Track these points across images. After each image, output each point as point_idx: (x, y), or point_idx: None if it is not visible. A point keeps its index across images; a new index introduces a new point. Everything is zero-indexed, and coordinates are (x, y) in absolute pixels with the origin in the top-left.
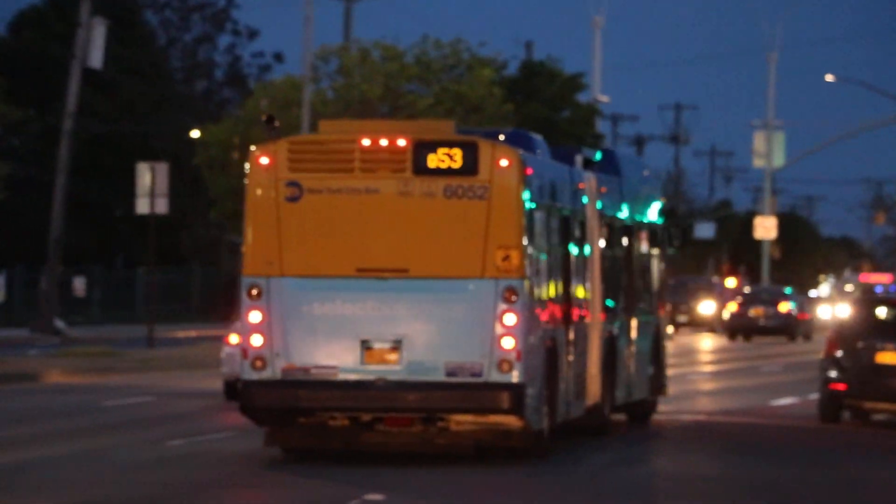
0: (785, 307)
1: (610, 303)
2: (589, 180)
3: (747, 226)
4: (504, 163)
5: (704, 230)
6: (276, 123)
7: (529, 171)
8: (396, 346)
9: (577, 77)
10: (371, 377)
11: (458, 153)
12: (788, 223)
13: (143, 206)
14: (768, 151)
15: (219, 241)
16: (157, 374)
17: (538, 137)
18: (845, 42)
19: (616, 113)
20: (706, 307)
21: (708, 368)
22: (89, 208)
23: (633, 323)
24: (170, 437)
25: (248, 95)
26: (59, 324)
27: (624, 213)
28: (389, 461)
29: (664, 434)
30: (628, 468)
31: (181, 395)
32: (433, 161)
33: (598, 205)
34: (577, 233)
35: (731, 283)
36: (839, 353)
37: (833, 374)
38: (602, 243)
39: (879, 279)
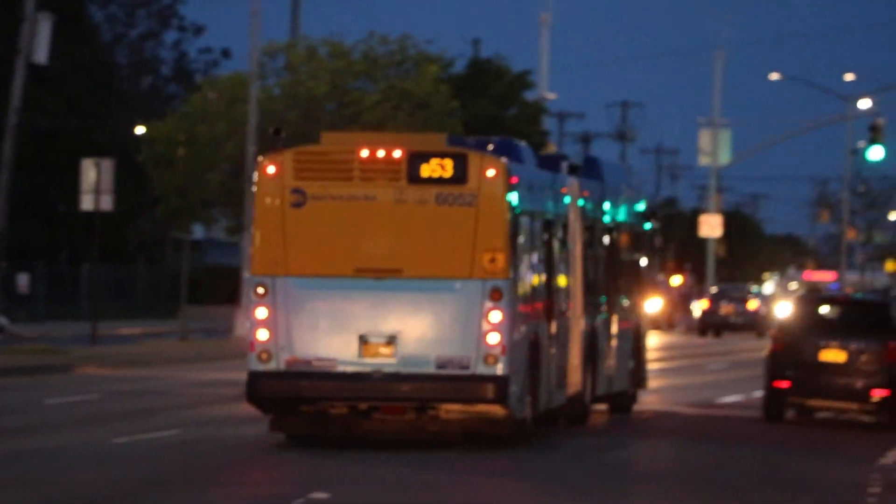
0: (753, 305)
1: (592, 300)
2: (572, 186)
3: (693, 223)
4: (491, 172)
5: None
6: (282, 135)
7: (514, 179)
8: (391, 340)
9: (524, 75)
10: (368, 369)
11: (448, 163)
12: (733, 221)
13: (88, 203)
14: (714, 149)
15: (164, 237)
16: (101, 371)
17: (525, 146)
18: (790, 40)
19: (563, 110)
20: (652, 304)
21: (655, 366)
22: (34, 204)
23: (615, 319)
24: (115, 435)
25: (195, 91)
26: (2, 320)
27: (606, 216)
28: (355, 454)
29: (638, 424)
30: (601, 454)
31: (126, 392)
32: (426, 171)
33: (581, 209)
34: (559, 235)
35: (676, 280)
36: (783, 351)
37: (777, 371)
38: (584, 245)
39: (823, 277)
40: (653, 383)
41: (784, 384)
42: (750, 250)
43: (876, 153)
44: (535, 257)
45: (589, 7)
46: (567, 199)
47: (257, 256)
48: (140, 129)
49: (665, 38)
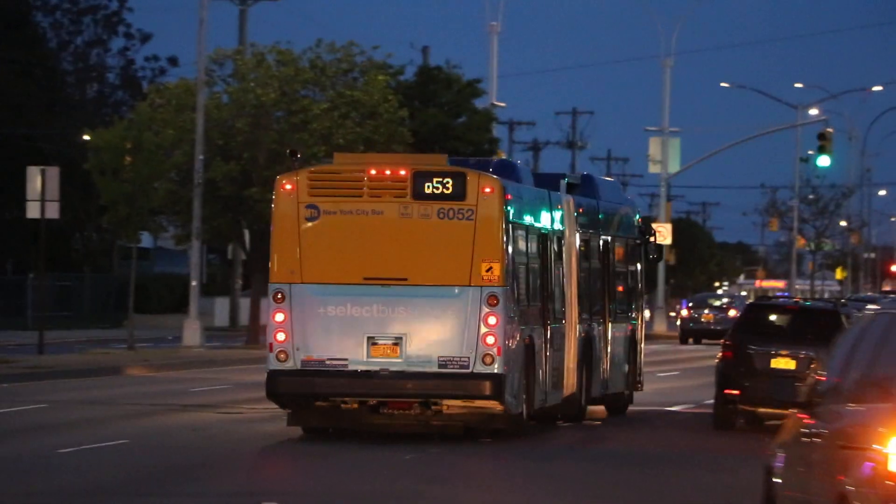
0: (733, 312)
1: (587, 306)
2: (567, 202)
3: None
4: (488, 190)
5: None
6: (298, 155)
7: (509, 196)
8: (397, 342)
9: (473, 83)
10: (376, 368)
11: (449, 182)
12: (684, 229)
13: (33, 211)
14: (663, 157)
15: (111, 246)
16: (48, 381)
17: (523, 166)
18: (740, 49)
19: (513, 119)
20: None
21: None
22: None
23: (610, 325)
24: (62, 445)
25: (142, 99)
26: None
27: (601, 229)
28: (318, 461)
29: (628, 424)
30: (584, 448)
31: (73, 402)
32: (429, 188)
33: (576, 222)
34: (555, 246)
35: None
36: (733, 359)
37: (727, 379)
38: (580, 256)
39: (775, 285)
40: None
41: (734, 392)
42: (700, 258)
43: (825, 161)
44: (530, 266)
45: (539, 14)
46: (562, 214)
47: (275, 265)
48: (86, 137)
49: (615, 46)
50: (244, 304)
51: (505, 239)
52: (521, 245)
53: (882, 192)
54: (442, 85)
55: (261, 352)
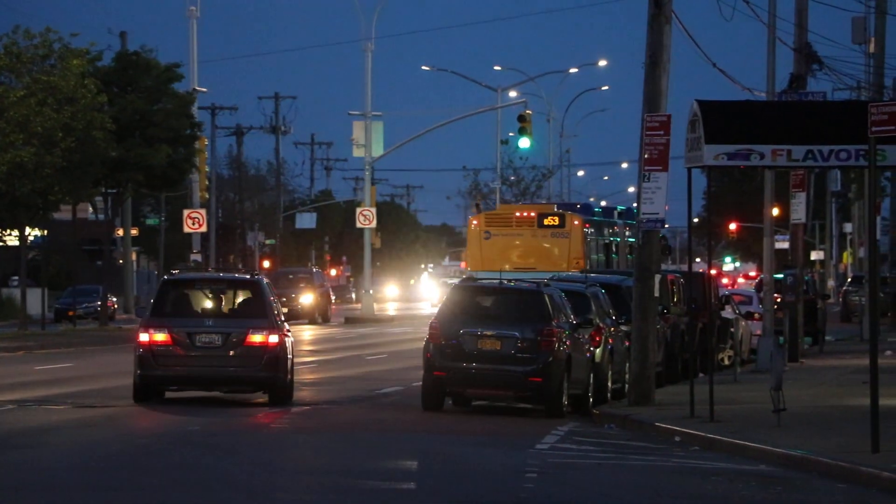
0: None
1: None
2: (620, 225)
3: (349, 215)
4: (576, 222)
5: (306, 220)
6: (480, 206)
7: (587, 225)
8: None
9: (172, 68)
10: None
11: (556, 218)
12: (389, 212)
13: None
14: (367, 141)
15: None
16: None
17: (595, 204)
18: (441, 32)
19: (215, 104)
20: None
21: (310, 359)
22: None
23: None
24: None
25: None
26: None
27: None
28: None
29: (343, 406)
30: None
31: None
32: (546, 222)
33: (624, 236)
34: (614, 249)
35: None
36: (440, 341)
37: (435, 361)
38: (626, 254)
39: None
40: (308, 377)
41: (442, 374)
42: (405, 241)
43: (525, 143)
44: (600, 260)
45: (240, 0)
46: (616, 231)
47: (470, 261)
48: None
49: (318, 31)
50: None
51: (585, 247)
52: (595, 250)
53: (580, 173)
54: (141, 70)
55: None
